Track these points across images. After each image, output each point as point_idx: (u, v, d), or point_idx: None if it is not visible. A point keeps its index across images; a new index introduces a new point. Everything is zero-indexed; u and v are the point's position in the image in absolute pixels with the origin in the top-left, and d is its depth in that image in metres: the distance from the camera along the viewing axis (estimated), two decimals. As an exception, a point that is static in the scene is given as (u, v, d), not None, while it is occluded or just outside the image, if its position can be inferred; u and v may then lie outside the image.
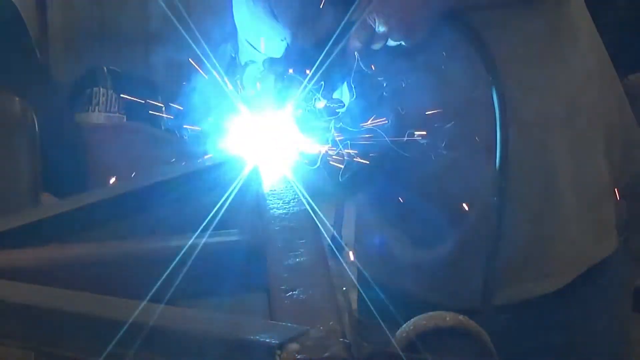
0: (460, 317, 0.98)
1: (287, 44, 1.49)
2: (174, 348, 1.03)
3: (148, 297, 1.08)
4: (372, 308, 1.24)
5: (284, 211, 1.39)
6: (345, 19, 1.41)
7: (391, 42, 1.42)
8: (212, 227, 1.33)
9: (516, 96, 1.43)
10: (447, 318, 0.98)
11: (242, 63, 1.68)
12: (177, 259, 1.23)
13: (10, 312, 1.14)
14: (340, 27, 1.41)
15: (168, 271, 1.19)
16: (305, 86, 1.41)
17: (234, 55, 1.68)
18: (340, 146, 1.42)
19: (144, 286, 1.18)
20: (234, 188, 1.36)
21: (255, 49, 1.61)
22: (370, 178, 1.50)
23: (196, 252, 1.27)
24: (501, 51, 1.43)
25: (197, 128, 1.49)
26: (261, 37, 1.58)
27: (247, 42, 1.63)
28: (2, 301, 1.14)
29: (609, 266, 1.57)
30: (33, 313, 1.12)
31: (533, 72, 1.49)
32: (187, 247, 1.28)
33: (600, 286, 1.57)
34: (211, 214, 1.32)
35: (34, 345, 1.13)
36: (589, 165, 1.55)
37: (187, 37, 1.47)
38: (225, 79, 1.45)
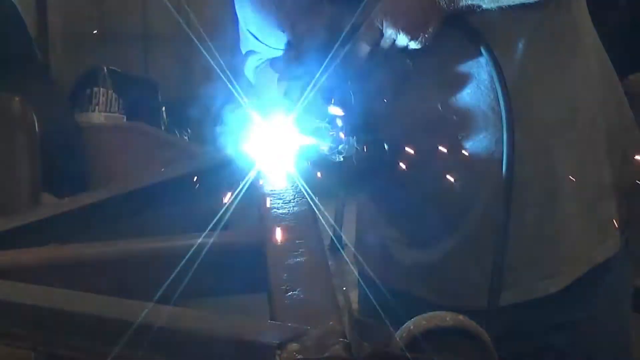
0: (461, 317, 0.98)
1: (288, 40, 1.48)
2: (174, 348, 1.03)
3: (155, 299, 1.08)
4: (373, 308, 1.24)
5: (284, 211, 1.39)
6: (352, 21, 1.40)
7: (398, 45, 1.41)
8: (210, 228, 1.33)
9: (519, 98, 1.43)
10: (448, 318, 0.98)
11: (243, 53, 1.67)
12: (183, 261, 1.23)
13: (11, 312, 1.14)
14: (346, 30, 1.40)
15: (173, 275, 1.19)
16: (308, 87, 1.41)
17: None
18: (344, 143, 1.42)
19: (143, 286, 1.18)
20: (236, 190, 1.36)
21: (256, 38, 1.60)
22: (370, 177, 1.50)
23: (195, 252, 1.27)
24: (504, 53, 1.43)
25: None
26: (262, 27, 1.57)
27: (249, 31, 1.62)
28: (2, 301, 1.14)
29: (611, 267, 1.57)
30: (33, 313, 1.12)
31: (536, 74, 1.49)
32: (186, 247, 1.28)
33: (603, 287, 1.57)
34: (216, 217, 1.32)
35: (34, 345, 1.13)
36: (590, 166, 1.55)
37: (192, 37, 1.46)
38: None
